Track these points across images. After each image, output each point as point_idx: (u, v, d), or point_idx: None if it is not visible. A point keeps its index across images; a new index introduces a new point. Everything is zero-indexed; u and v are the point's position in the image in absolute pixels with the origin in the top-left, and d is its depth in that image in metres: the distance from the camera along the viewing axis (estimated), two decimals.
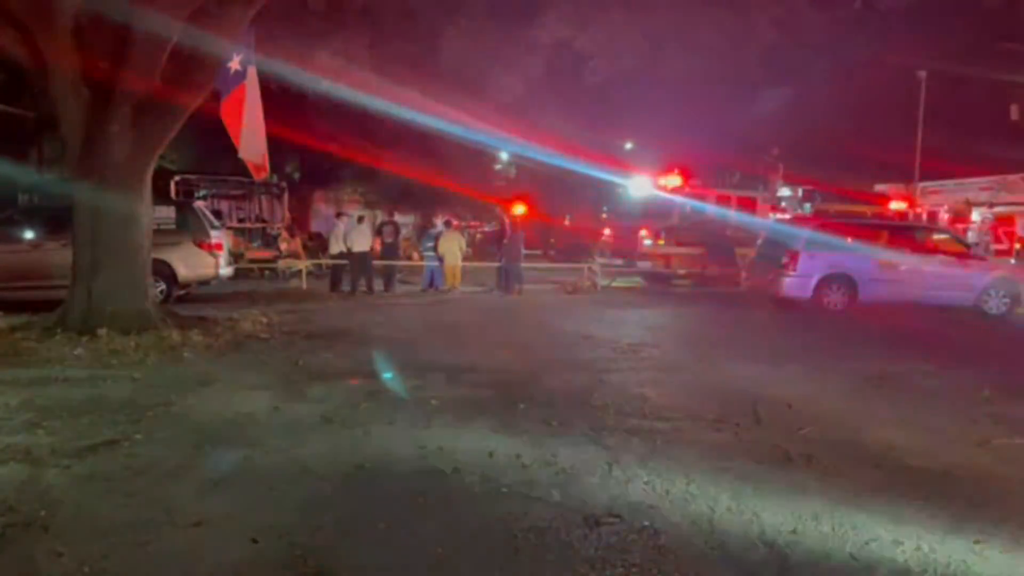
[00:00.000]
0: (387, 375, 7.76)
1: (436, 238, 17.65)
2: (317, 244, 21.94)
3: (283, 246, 21.02)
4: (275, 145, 13.99)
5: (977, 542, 3.89)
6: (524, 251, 18.02)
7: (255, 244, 21.99)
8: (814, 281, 13.76)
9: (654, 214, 19.87)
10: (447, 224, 18.80)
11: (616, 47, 16.51)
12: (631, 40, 16.19)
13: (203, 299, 13.97)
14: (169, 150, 13.93)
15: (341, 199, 31.60)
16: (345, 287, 16.43)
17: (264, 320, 11.07)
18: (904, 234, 15.47)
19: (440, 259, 17.25)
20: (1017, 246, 23.17)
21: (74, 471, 4.67)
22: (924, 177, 26.99)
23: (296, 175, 28.40)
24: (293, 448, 5.18)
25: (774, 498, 4.43)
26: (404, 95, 16.74)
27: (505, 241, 17.65)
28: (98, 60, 9.45)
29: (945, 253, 14.58)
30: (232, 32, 10.23)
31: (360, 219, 17.56)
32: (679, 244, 19.49)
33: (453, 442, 5.37)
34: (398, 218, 20.15)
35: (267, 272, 19.57)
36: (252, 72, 11.97)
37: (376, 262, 16.99)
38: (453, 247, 17.29)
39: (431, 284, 17.34)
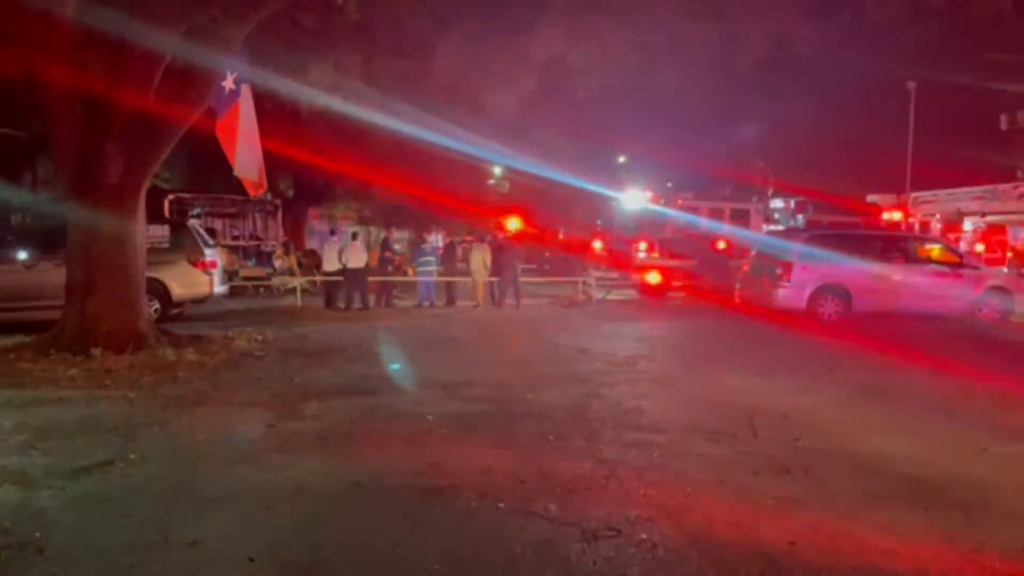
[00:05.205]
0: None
1: (439, 252, 17.81)
2: (311, 261, 21.95)
3: (277, 263, 21.02)
4: (269, 162, 14.01)
5: (975, 551, 3.89)
6: (520, 265, 18.19)
7: (249, 262, 21.99)
8: (808, 292, 13.80)
9: (648, 227, 19.94)
10: (481, 240, 19.08)
11: (608, 61, 16.60)
12: (623, 54, 16.28)
13: (198, 317, 13.94)
14: (163, 169, 13.96)
15: (335, 216, 31.61)
16: (340, 304, 16.42)
17: (259, 338, 11.06)
18: (897, 244, 15.54)
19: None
20: (1009, 254, 23.30)
21: (69, 492, 4.65)
22: (916, 187, 27.18)
23: (290, 192, 28.41)
24: (289, 466, 5.16)
25: (771, 509, 4.43)
26: (398, 110, 16.79)
27: (500, 256, 17.76)
28: (92, 78, 9.47)
29: (938, 263, 14.64)
30: (227, 49, 10.27)
31: (355, 235, 17.60)
32: (673, 257, 19.55)
33: (450, 458, 5.36)
34: (396, 234, 20.33)
35: (262, 290, 19.55)
36: (246, 90, 12.01)
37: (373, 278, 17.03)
38: (478, 262, 17.38)
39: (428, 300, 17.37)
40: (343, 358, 9.80)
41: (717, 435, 6.05)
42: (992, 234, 25.45)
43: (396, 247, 20.84)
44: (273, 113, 15.64)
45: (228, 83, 11.46)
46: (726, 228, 19.69)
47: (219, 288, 14.30)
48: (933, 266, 14.52)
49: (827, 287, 13.81)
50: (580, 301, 18.02)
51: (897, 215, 26.23)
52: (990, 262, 21.34)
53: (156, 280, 12.34)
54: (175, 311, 13.57)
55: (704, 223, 19.88)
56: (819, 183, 25.68)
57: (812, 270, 13.88)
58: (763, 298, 14.64)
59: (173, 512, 4.35)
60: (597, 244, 22.37)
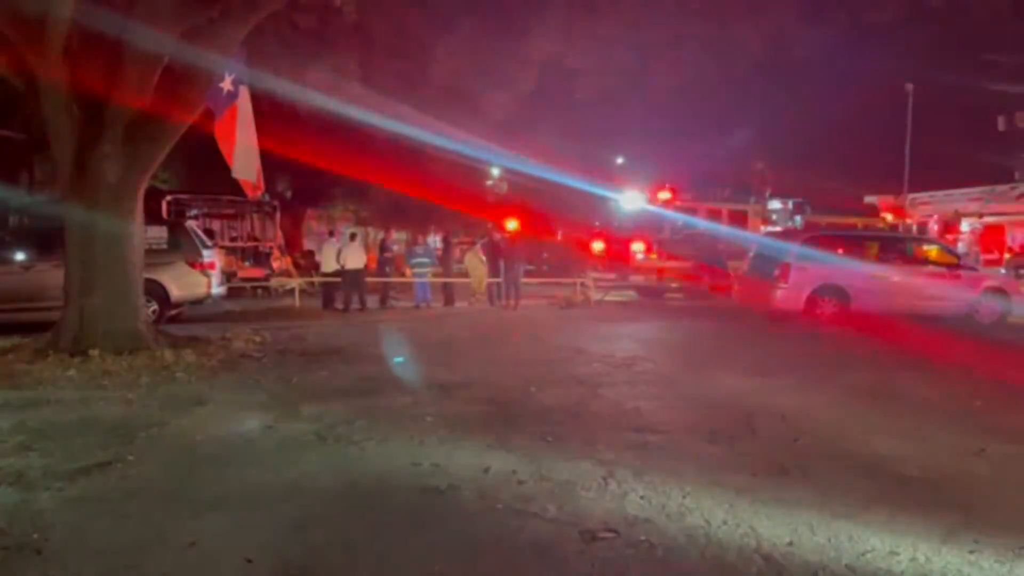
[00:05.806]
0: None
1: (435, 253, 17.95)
2: (309, 262, 21.94)
3: (275, 264, 21.00)
4: (267, 163, 14.03)
5: (972, 551, 3.89)
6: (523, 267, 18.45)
7: (247, 263, 21.97)
8: (806, 293, 13.79)
9: (646, 228, 19.94)
10: (474, 243, 19.29)
11: (606, 63, 16.64)
12: (621, 56, 16.32)
13: (196, 319, 13.94)
14: (161, 170, 13.95)
15: (333, 216, 31.62)
16: (338, 305, 16.42)
17: (257, 339, 11.04)
18: (895, 245, 15.56)
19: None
20: (1007, 255, 23.34)
21: (67, 493, 4.64)
22: (914, 188, 27.24)
23: (288, 193, 28.40)
24: (287, 467, 5.16)
25: (770, 510, 4.43)
26: (396, 111, 16.81)
27: (503, 257, 17.85)
28: (90, 79, 9.46)
29: (936, 264, 14.66)
30: (225, 50, 10.26)
31: (352, 236, 17.61)
32: (671, 257, 19.56)
33: (448, 458, 5.36)
34: (395, 235, 20.42)
35: (260, 291, 19.54)
36: (244, 91, 12.03)
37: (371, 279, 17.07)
38: (473, 263, 17.75)
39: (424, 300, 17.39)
40: (341, 359, 9.79)
41: (715, 436, 6.05)
42: (990, 235, 25.51)
43: (395, 248, 20.88)
44: (271, 114, 15.64)
45: (226, 84, 11.47)
46: (724, 229, 19.67)
47: (217, 289, 14.29)
48: (931, 267, 14.53)
49: (824, 288, 13.80)
50: (578, 302, 18.02)
51: (889, 216, 26.33)
52: (988, 263, 21.40)
53: (154, 281, 12.32)
54: (173, 312, 13.55)
55: (702, 224, 19.88)
56: (817, 184, 25.71)
57: (809, 271, 13.87)
58: (761, 299, 14.65)
59: (171, 513, 4.34)
60: (598, 245, 22.35)
